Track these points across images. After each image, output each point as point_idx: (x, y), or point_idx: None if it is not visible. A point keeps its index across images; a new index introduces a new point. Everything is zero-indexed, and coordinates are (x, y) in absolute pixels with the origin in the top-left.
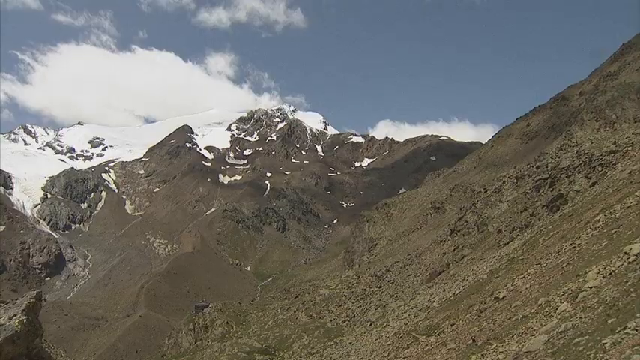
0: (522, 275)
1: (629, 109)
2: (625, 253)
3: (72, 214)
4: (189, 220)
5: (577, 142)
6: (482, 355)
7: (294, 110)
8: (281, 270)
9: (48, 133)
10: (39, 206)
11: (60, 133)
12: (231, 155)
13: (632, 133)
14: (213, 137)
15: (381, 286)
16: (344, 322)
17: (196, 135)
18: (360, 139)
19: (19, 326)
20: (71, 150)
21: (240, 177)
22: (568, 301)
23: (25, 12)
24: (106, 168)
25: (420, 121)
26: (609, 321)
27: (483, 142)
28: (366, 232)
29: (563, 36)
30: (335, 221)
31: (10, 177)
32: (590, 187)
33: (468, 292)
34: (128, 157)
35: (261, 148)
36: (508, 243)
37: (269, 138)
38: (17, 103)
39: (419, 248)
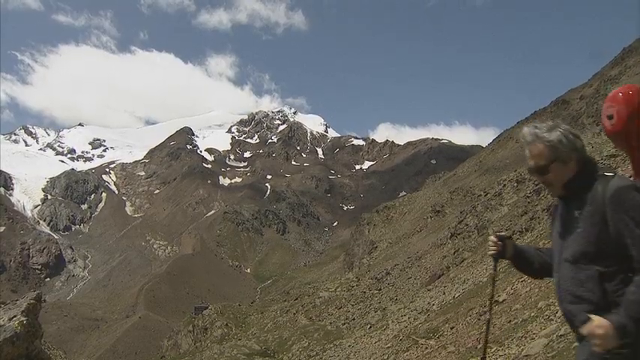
0: (522, 279)
1: None
2: None
3: (72, 215)
4: (189, 221)
5: None
6: (481, 358)
7: (294, 112)
8: (281, 272)
9: (48, 134)
10: (39, 207)
11: (60, 134)
12: (232, 157)
13: None
14: (213, 139)
15: (380, 289)
16: (343, 324)
17: (197, 137)
18: (361, 142)
19: (19, 327)
20: (72, 151)
21: (241, 179)
22: None
23: (25, 12)
24: (107, 169)
25: (420, 124)
26: None
27: (484, 145)
28: (366, 235)
29: (564, 39)
30: (335, 224)
31: (10, 178)
32: None
33: (468, 295)
34: (128, 158)
35: (261, 151)
36: None
37: (269, 140)
38: (18, 103)
39: (419, 251)
